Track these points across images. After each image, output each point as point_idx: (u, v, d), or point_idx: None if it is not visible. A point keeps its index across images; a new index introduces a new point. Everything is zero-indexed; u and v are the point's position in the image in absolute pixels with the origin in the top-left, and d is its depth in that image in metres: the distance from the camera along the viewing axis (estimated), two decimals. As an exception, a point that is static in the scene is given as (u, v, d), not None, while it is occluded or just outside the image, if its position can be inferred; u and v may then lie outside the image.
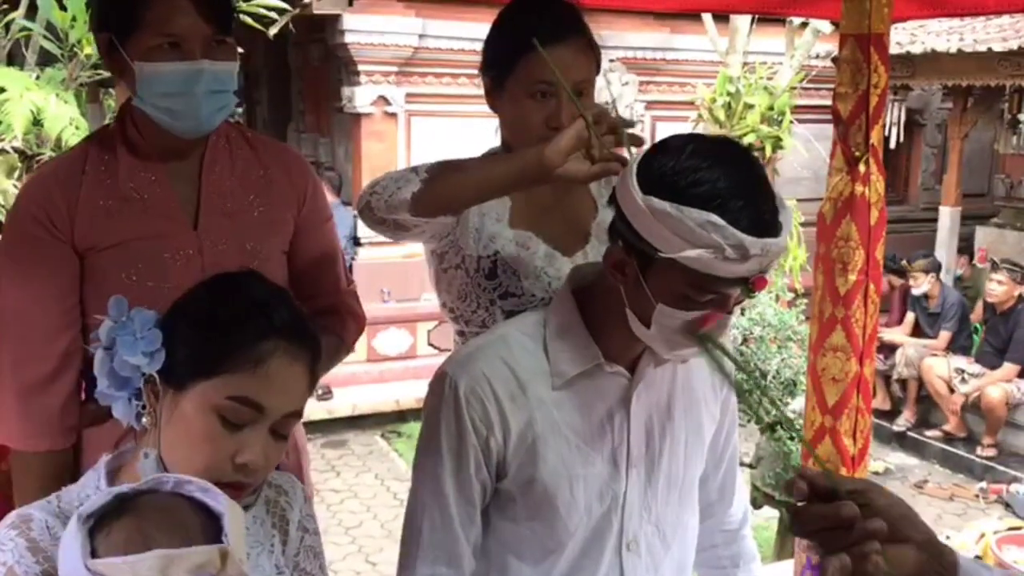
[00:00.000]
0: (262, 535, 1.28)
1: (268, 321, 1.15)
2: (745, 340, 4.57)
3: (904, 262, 7.33)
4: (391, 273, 7.38)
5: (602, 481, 1.44)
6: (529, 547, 1.44)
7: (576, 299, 1.45)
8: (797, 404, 4.54)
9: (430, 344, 7.73)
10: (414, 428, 5.38)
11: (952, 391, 6.80)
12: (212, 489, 1.05)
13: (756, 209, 1.23)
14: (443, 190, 1.51)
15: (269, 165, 1.78)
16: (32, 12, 5.23)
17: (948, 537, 5.29)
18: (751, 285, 1.27)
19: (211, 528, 1.03)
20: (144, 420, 1.17)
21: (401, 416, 7.20)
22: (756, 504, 4.48)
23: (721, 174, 1.23)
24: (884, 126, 2.46)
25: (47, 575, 1.05)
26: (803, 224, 6.41)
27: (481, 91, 1.73)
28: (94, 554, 0.98)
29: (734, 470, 1.69)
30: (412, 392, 7.02)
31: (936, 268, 7.25)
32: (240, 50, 1.69)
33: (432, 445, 1.42)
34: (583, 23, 1.65)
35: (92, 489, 1.16)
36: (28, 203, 1.60)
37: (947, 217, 8.51)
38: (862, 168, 2.42)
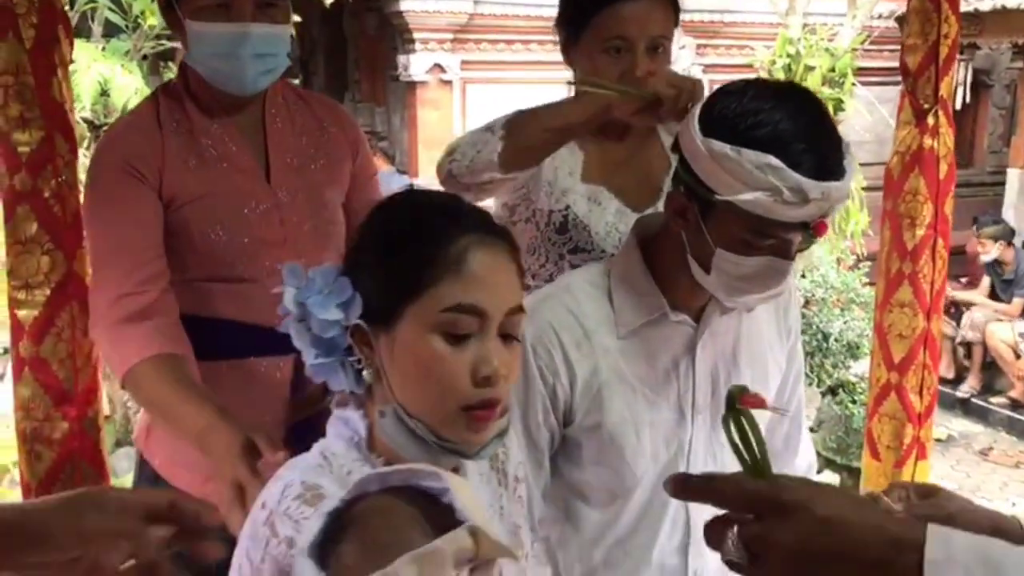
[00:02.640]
0: (491, 496, 1.21)
1: (452, 221, 1.06)
2: (807, 303, 4.52)
3: (974, 229, 7.14)
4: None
5: (668, 428, 1.45)
6: (596, 492, 1.46)
7: (641, 249, 1.45)
8: (860, 367, 4.49)
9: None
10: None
11: (1018, 356, 6.65)
12: (423, 469, 0.94)
13: (817, 152, 1.22)
14: (526, 142, 1.51)
15: (323, 119, 1.81)
16: (97, -16, 5.33)
17: (1014, 504, 5.22)
18: (812, 230, 1.26)
19: (439, 511, 0.92)
20: (366, 375, 1.08)
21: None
22: (817, 468, 4.45)
23: (783, 116, 1.22)
24: (952, 77, 2.40)
25: None
26: (865, 188, 6.29)
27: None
28: None
29: (800, 420, 1.68)
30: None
31: (1007, 235, 7.05)
32: (296, 18, 1.70)
33: None
34: None
35: (355, 454, 1.08)
36: (112, 153, 1.62)
37: (1016, 179, 8.28)
38: (931, 121, 2.38)
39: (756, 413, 1.52)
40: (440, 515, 0.89)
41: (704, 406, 1.47)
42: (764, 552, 0.77)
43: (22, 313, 1.74)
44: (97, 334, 1.64)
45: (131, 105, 4.86)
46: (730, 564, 0.79)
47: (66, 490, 1.77)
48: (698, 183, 1.27)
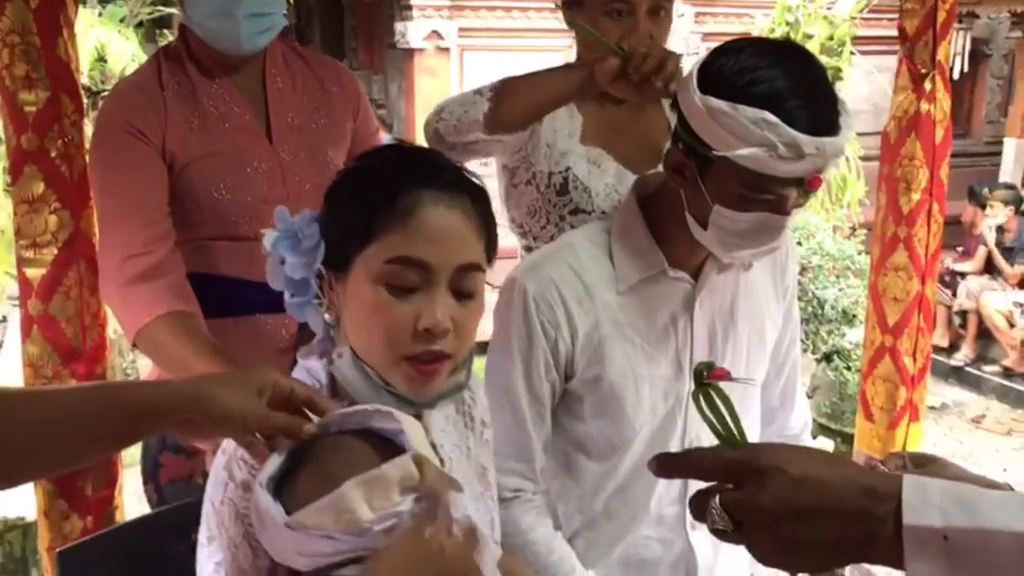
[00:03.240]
0: (457, 438, 1.24)
1: (409, 174, 1.07)
2: (803, 270, 4.55)
3: (985, 190, 7.14)
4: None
5: (666, 381, 1.48)
6: (596, 444, 1.49)
7: (641, 207, 1.48)
8: (855, 334, 4.53)
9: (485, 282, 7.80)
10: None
11: (1012, 326, 6.70)
12: (380, 410, 0.99)
13: (813, 109, 1.24)
14: (513, 105, 1.54)
15: (324, 78, 1.83)
16: (93, -51, 5.30)
17: (1005, 470, 5.28)
18: (807, 185, 1.29)
19: (391, 450, 0.97)
20: (327, 318, 1.13)
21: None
22: (812, 435, 4.50)
23: (779, 74, 1.24)
24: (950, 42, 2.42)
25: None
26: (862, 158, 6.30)
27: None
28: (289, 514, 0.92)
29: (795, 378, 1.72)
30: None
31: (1017, 201, 7.07)
32: (292, -15, 1.71)
33: (503, 348, 1.47)
34: None
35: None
36: (115, 115, 1.65)
37: (1012, 149, 8.30)
38: (928, 86, 2.40)
39: (751, 366, 1.56)
40: (394, 455, 0.94)
41: (702, 358, 1.50)
42: (746, 517, 0.79)
43: (30, 272, 1.76)
44: (107, 294, 1.67)
45: (128, 71, 4.86)
46: (716, 533, 0.82)
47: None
48: (695, 140, 1.30)
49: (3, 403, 0.89)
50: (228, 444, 1.06)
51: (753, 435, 1.62)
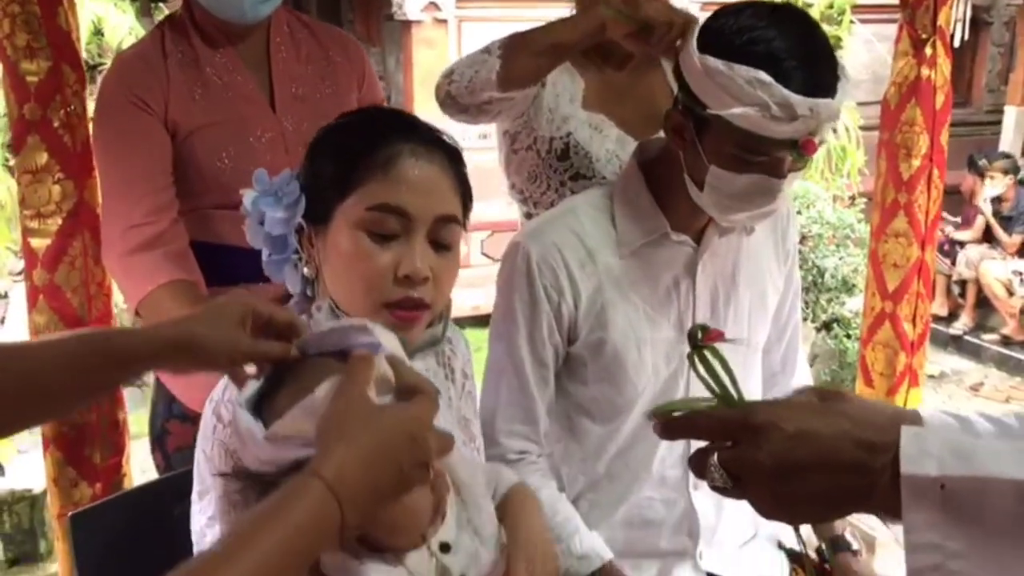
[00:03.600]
0: (438, 388, 1.29)
1: (388, 127, 1.11)
2: (803, 239, 4.55)
3: (983, 161, 7.13)
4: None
5: (668, 344, 1.49)
6: (599, 407, 1.51)
7: (643, 172, 1.49)
8: (854, 303, 4.54)
9: (483, 254, 7.80)
10: (469, 335, 5.48)
11: (1011, 294, 6.71)
12: (355, 324, 0.99)
13: (808, 70, 1.25)
14: (524, 59, 1.53)
15: (329, 48, 1.82)
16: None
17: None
18: (800, 148, 1.29)
19: None
20: (306, 271, 1.16)
21: (457, 324, 7.28)
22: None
23: (777, 34, 1.25)
24: (951, 7, 2.41)
25: None
26: (862, 127, 6.28)
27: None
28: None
29: (796, 342, 1.73)
30: (467, 301, 7.09)
31: (1015, 170, 7.06)
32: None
33: (507, 313, 1.48)
34: None
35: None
36: (118, 85, 1.65)
37: (1013, 117, 8.26)
38: (928, 51, 2.40)
39: (753, 329, 1.57)
40: None
41: (705, 322, 1.51)
42: (744, 473, 0.81)
43: (35, 242, 1.77)
44: (109, 264, 1.68)
45: (125, 44, 4.84)
46: (716, 490, 0.84)
47: (82, 415, 1.84)
48: (693, 100, 1.31)
49: None
50: (215, 392, 1.09)
51: (754, 397, 1.64)
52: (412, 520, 1.03)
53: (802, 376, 1.77)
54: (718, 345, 0.88)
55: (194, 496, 1.10)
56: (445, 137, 1.15)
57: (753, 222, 1.45)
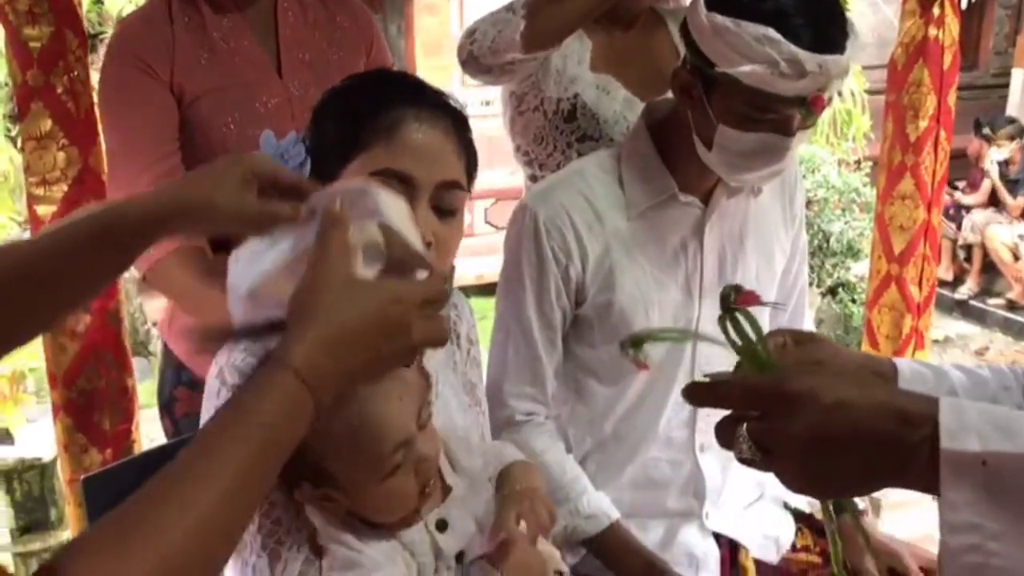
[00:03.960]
0: (443, 351, 1.27)
1: (393, 90, 1.11)
2: (809, 203, 4.54)
3: (987, 129, 7.09)
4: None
5: (676, 307, 1.50)
6: (606, 369, 1.51)
7: (651, 133, 1.48)
8: (860, 268, 4.54)
9: (487, 222, 7.78)
10: (474, 304, 5.47)
11: (1017, 258, 6.70)
12: (351, 186, 0.95)
13: (816, 26, 1.24)
14: (548, 19, 1.52)
15: (337, 13, 1.81)
16: None
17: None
18: (809, 105, 1.29)
19: None
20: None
21: (461, 293, 7.28)
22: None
23: None
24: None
25: None
26: (868, 91, 6.24)
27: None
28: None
29: (803, 305, 1.73)
30: (471, 270, 7.09)
31: (1022, 134, 7.01)
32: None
33: (515, 275, 1.48)
34: None
35: None
36: (123, 50, 1.63)
37: (1020, 79, 8.19)
38: (936, 11, 2.37)
39: (760, 291, 1.57)
40: None
41: (711, 287, 1.51)
42: (774, 446, 0.77)
43: (41, 209, 1.77)
44: None
45: (125, 13, 4.80)
46: (743, 462, 0.80)
47: (90, 380, 1.84)
48: (701, 58, 1.30)
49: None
50: (220, 357, 1.09)
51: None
52: (397, 502, 1.04)
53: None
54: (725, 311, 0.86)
55: None
56: (451, 101, 1.14)
57: (762, 182, 1.44)
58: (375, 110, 1.08)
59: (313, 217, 0.88)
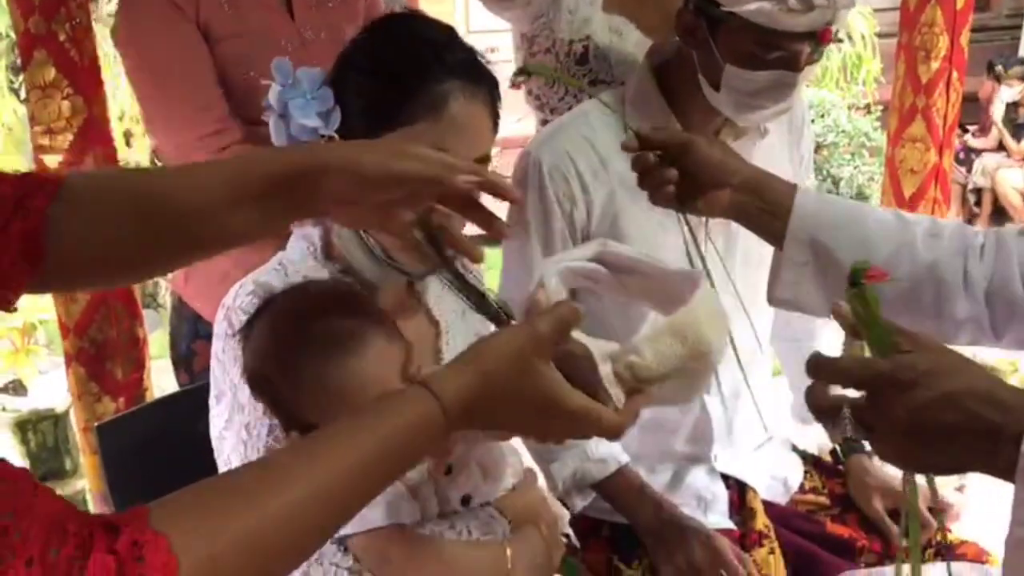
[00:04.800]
0: (453, 303, 1.27)
1: (442, 62, 1.08)
2: (818, 147, 4.51)
3: (999, 67, 6.99)
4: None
5: (682, 250, 1.49)
6: (614, 317, 1.51)
7: (655, 75, 1.46)
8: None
9: (493, 171, 7.74)
10: (483, 249, 5.45)
11: (1027, 202, 6.65)
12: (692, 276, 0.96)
13: None
14: None
15: None
16: None
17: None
18: (818, 37, 1.27)
19: (346, 297, 1.04)
20: None
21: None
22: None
23: None
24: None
25: None
26: (878, 35, 6.16)
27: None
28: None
29: None
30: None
31: (1031, 77, 6.91)
32: None
33: (519, 223, 1.47)
34: None
35: (311, 261, 1.15)
36: None
37: (1034, 21, 8.05)
38: (950, -51, 2.33)
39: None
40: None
41: (717, 230, 1.50)
42: (878, 426, 0.80)
43: (48, 159, 1.77)
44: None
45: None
46: (845, 441, 0.83)
47: (101, 330, 1.86)
48: None
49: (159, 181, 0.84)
50: (227, 299, 1.10)
51: (766, 312, 1.62)
52: None
53: None
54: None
55: (212, 401, 1.12)
56: (486, 64, 1.13)
57: (769, 120, 1.43)
58: (424, 82, 1.07)
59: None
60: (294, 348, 0.96)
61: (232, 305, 1.09)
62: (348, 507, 0.72)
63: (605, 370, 0.83)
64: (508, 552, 1.11)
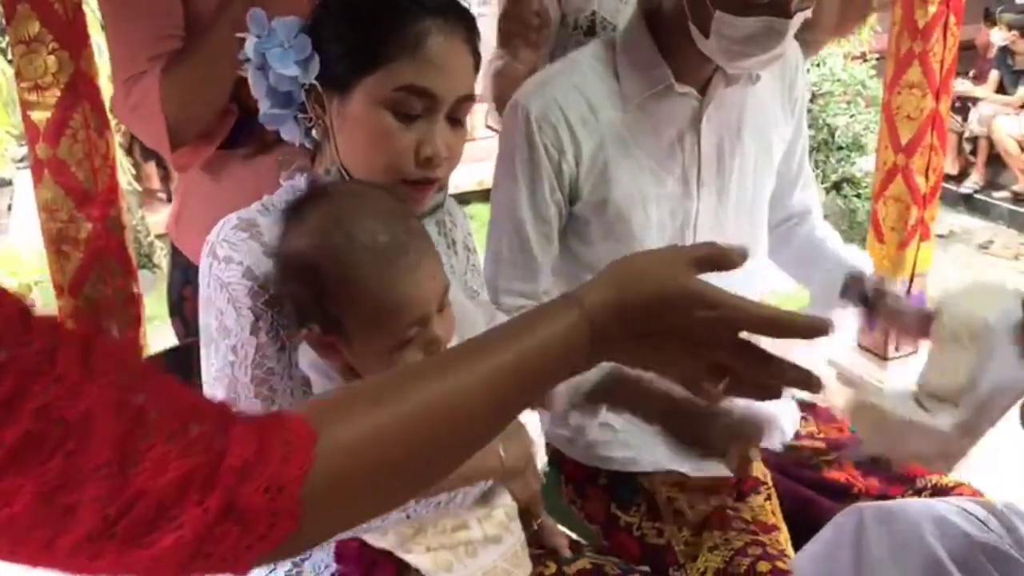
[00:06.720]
0: (442, 257, 1.27)
1: (418, 2, 1.08)
2: (813, 97, 4.47)
3: (999, 12, 6.93)
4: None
5: (674, 200, 1.48)
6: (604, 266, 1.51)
7: (647, 23, 1.44)
8: (865, 163, 4.50)
9: (487, 126, 7.66)
10: (474, 210, 5.43)
11: (1023, 150, 6.64)
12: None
13: None
14: None
15: None
16: None
17: (1012, 293, 5.32)
18: None
19: (406, 212, 1.06)
20: (314, 133, 1.15)
21: (462, 199, 7.23)
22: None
23: None
24: None
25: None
26: (875, -19, 6.09)
27: None
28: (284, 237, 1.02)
29: (812, 185, 1.72)
30: (472, 176, 7.00)
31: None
32: None
33: (508, 172, 1.46)
34: None
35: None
36: None
37: (1032, -33, 7.97)
38: None
39: (759, 182, 1.53)
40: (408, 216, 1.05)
41: (709, 178, 1.50)
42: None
43: (35, 115, 1.74)
44: (123, 117, 1.64)
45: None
46: None
47: (97, 289, 1.85)
48: None
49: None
50: (211, 234, 1.09)
51: (761, 247, 1.61)
52: None
53: (817, 211, 1.74)
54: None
55: (202, 349, 1.11)
56: (464, 5, 1.14)
57: (761, 68, 1.41)
58: (400, 22, 1.07)
59: None
60: (360, 247, 0.98)
61: (216, 239, 1.08)
62: (506, 407, 0.72)
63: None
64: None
